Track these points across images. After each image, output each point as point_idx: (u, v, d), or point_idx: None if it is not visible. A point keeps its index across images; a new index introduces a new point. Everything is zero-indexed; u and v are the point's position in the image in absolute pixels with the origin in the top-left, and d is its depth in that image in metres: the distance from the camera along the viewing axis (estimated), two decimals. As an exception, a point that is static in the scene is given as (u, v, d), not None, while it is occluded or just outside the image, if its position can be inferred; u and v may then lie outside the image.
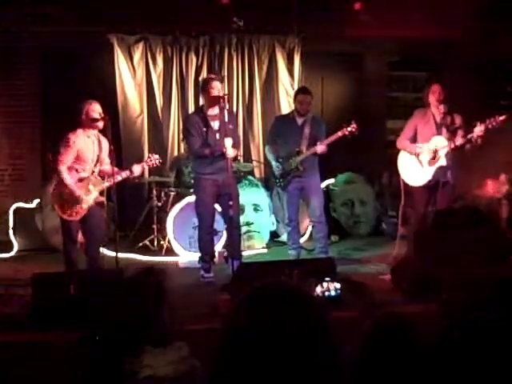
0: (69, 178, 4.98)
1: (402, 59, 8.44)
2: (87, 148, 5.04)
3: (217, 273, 5.66)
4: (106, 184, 5.10)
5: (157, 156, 5.47)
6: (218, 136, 5.44)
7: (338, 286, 4.33)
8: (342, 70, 8.39)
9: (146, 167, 5.77)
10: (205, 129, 5.46)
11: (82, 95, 5.41)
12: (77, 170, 5.04)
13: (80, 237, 5.24)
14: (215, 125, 5.48)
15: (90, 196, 5.04)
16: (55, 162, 5.05)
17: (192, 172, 6.83)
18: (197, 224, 5.95)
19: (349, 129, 5.73)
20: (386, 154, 6.08)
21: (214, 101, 5.36)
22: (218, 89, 5.41)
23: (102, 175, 5.18)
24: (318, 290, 4.27)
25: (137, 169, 5.27)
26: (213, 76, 5.84)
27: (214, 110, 5.48)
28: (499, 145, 6.45)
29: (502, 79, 8.32)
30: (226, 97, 5.30)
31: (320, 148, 5.79)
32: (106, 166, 5.19)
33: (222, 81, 5.77)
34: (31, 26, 7.16)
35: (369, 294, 4.58)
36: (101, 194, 5.16)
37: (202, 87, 5.58)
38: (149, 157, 5.48)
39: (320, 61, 8.06)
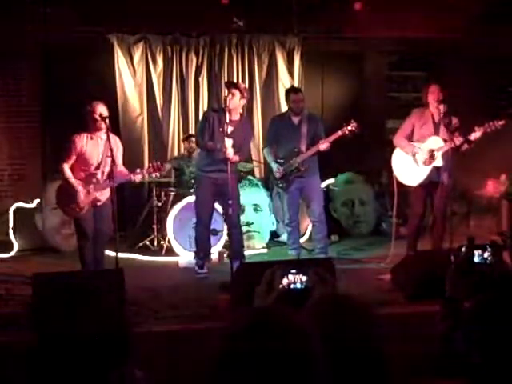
0: (70, 174, 5.00)
1: (402, 59, 8.44)
2: (91, 149, 5.02)
3: (217, 273, 5.66)
4: (105, 186, 5.03)
5: (160, 164, 5.22)
6: (226, 139, 5.38)
7: (304, 278, 4.02)
8: (342, 70, 8.39)
9: (147, 175, 5.56)
10: (220, 128, 5.47)
11: (83, 95, 5.40)
12: (79, 170, 5.04)
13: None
14: (228, 129, 5.42)
15: (88, 197, 5.01)
16: (58, 162, 5.07)
17: (192, 172, 6.84)
18: (196, 222, 5.97)
19: (349, 128, 5.69)
20: (385, 154, 6.06)
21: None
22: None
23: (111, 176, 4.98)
24: (284, 282, 3.96)
25: (137, 177, 5.13)
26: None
27: (235, 116, 5.52)
28: (499, 145, 6.45)
29: (501, 79, 8.31)
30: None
31: (324, 145, 5.74)
32: (120, 168, 5.14)
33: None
34: (31, 26, 7.15)
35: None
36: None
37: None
38: (151, 166, 5.22)
39: (320, 61, 8.06)
